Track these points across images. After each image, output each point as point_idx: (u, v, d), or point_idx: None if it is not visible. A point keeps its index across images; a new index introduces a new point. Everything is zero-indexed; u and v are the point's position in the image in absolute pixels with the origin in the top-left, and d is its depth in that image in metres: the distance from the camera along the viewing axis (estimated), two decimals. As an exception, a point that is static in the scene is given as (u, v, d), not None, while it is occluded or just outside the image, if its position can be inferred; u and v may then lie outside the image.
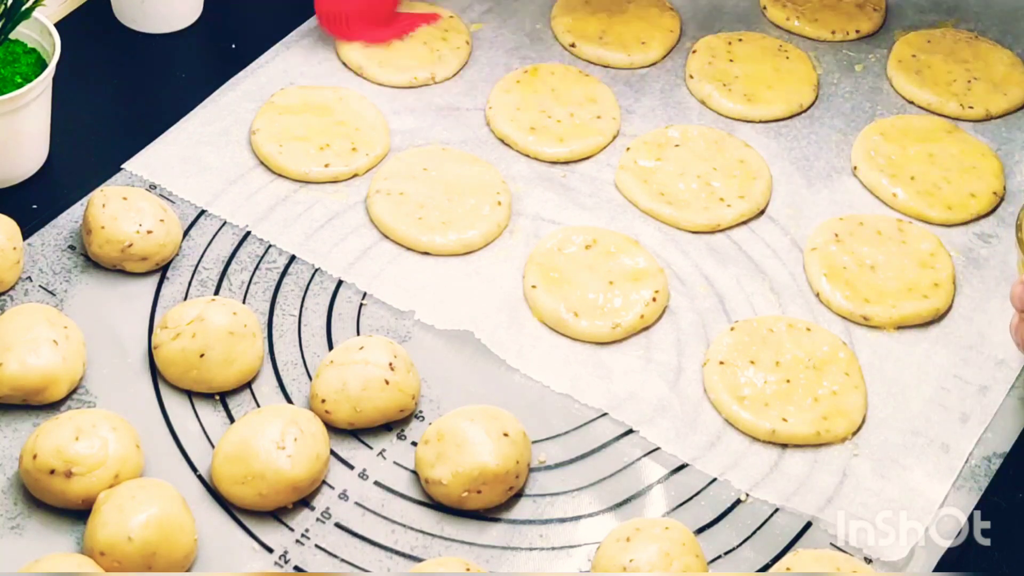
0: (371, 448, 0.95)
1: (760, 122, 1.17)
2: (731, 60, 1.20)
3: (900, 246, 1.07)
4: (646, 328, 1.03)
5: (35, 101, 1.05)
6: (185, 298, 1.02)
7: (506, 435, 0.92)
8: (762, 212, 1.11)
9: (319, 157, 1.10)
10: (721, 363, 1.00)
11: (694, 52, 1.21)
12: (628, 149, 1.13)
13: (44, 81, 1.05)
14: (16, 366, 0.93)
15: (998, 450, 0.97)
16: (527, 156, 1.13)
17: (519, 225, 1.08)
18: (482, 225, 1.07)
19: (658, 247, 1.07)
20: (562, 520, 0.93)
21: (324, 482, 0.93)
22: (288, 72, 1.18)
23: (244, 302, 1.02)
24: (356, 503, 0.92)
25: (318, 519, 0.91)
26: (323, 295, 1.03)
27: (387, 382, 0.94)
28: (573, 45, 1.21)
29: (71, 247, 1.04)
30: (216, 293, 1.03)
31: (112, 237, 1.01)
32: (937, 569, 0.91)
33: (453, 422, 0.92)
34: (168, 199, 1.07)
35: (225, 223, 1.07)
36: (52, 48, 1.06)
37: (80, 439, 0.89)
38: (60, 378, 0.94)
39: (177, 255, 1.04)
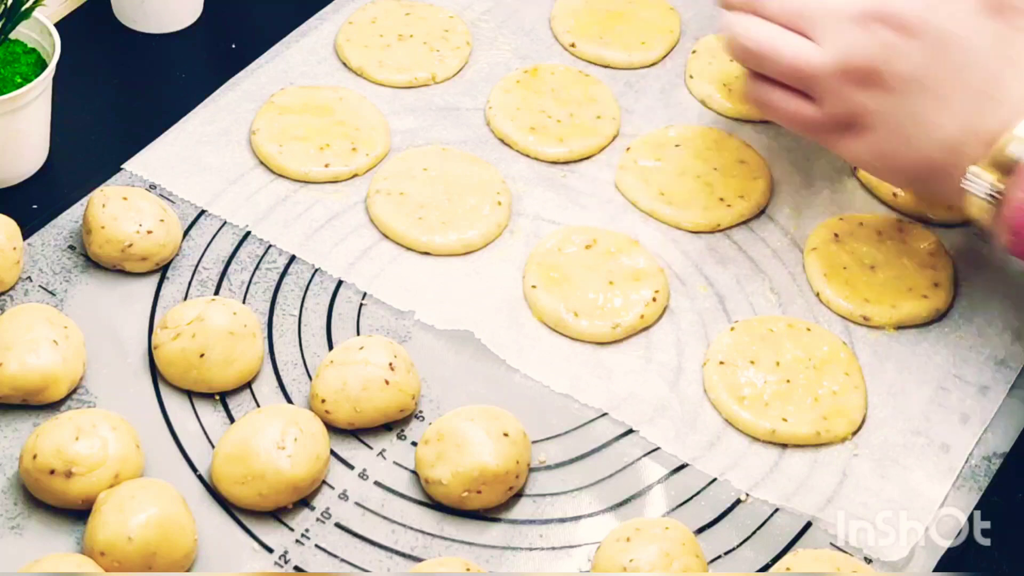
0: (371, 448, 0.95)
1: (760, 122, 1.17)
2: (731, 60, 1.20)
3: (900, 246, 1.07)
4: (646, 328, 1.03)
5: (35, 101, 1.05)
6: (185, 298, 1.02)
7: (506, 435, 0.92)
8: (762, 212, 1.11)
9: (319, 157, 1.10)
10: (721, 363, 1.00)
11: (694, 52, 1.21)
12: (628, 149, 1.13)
13: (44, 81, 1.05)
14: (16, 366, 0.93)
15: (998, 450, 0.97)
16: (527, 156, 1.13)
17: (519, 225, 1.08)
18: (482, 225, 1.07)
19: (658, 247, 1.07)
20: (562, 520, 0.93)
21: (324, 482, 0.93)
22: (288, 72, 1.17)
23: (244, 302, 1.02)
24: (356, 503, 0.92)
25: (318, 519, 0.91)
26: (323, 295, 1.03)
27: (387, 382, 0.94)
28: (573, 45, 1.21)
29: (71, 247, 1.04)
30: (216, 293, 1.03)
31: (112, 237, 1.01)
32: (937, 569, 0.91)
33: (453, 422, 0.92)
34: (168, 199, 1.07)
35: (225, 223, 1.07)
36: (52, 48, 1.06)
37: (80, 439, 0.89)
38: (60, 378, 0.94)
39: (177, 255, 1.04)
